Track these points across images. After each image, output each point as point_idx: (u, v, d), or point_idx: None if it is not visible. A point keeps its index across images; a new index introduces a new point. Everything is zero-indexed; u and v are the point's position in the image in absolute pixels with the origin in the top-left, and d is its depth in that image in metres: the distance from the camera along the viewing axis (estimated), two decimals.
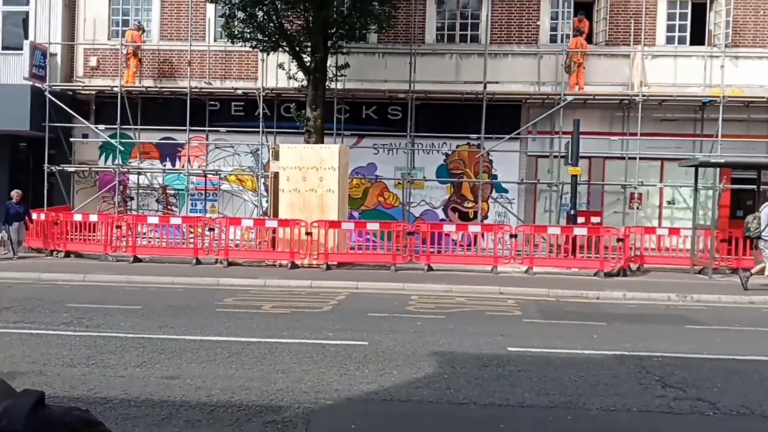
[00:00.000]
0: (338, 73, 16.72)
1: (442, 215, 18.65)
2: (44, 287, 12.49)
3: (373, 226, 15.68)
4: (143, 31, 18.36)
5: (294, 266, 14.86)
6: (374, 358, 7.25)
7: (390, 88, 17.69)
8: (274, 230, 15.58)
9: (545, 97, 17.75)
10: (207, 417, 5.39)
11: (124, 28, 18.56)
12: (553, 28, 18.43)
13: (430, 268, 14.81)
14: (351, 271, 14.50)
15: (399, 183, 18.38)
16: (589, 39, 18.05)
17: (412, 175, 18.10)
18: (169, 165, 18.87)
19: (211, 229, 15.53)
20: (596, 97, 17.62)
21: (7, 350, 7.34)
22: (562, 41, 18.19)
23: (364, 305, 10.85)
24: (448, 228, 15.88)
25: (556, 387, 6.34)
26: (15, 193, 16.39)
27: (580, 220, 16.09)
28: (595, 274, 14.54)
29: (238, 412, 5.48)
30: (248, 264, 15.29)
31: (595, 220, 16.62)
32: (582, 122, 16.09)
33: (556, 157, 17.81)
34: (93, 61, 18.80)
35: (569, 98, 17.38)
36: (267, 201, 17.81)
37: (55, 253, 16.09)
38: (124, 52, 18.07)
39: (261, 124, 17.77)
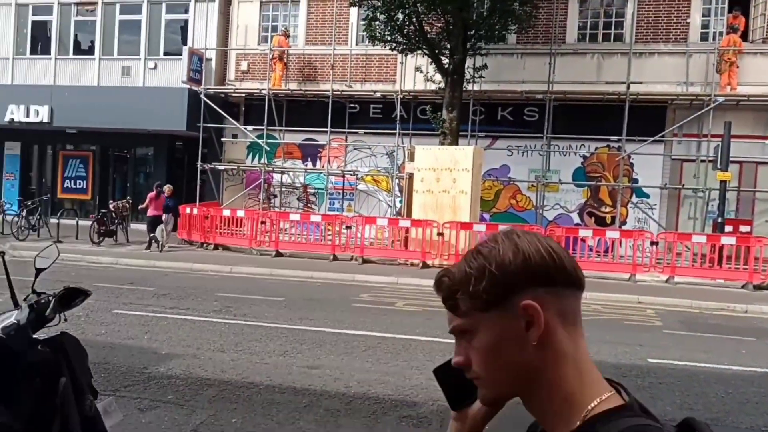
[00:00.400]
0: (476, 75, 16.73)
1: (577, 220, 18.17)
2: (196, 277, 13.46)
3: (505, 228, 15.54)
4: (289, 36, 19.28)
5: (425, 266, 15.08)
6: None
7: (527, 89, 17.45)
8: (407, 230, 15.88)
9: (693, 98, 16.84)
10: (345, 407, 5.62)
11: (272, 34, 19.53)
12: (705, 26, 17.42)
13: None
14: None
15: (533, 186, 18.10)
16: (744, 36, 16.92)
17: (547, 178, 17.77)
18: (310, 165, 19.67)
19: (348, 227, 16.07)
20: (750, 98, 16.46)
21: (165, 333, 8.02)
22: (713, 39, 17.17)
23: None
24: (584, 233, 15.48)
25: (701, 402, 6.09)
26: (167, 188, 17.93)
27: (728, 228, 15.13)
28: (742, 287, 13.65)
29: (375, 404, 5.68)
30: (381, 262, 15.69)
31: (744, 228, 15.59)
32: (733, 125, 15.10)
33: (703, 161, 16.85)
34: (244, 66, 19.98)
35: (720, 99, 16.38)
36: (400, 201, 18.15)
37: (205, 245, 17.28)
38: (272, 56, 19.06)
39: (397, 126, 18.13)
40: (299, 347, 7.56)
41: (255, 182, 19.48)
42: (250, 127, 19.42)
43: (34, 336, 2.88)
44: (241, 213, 17.34)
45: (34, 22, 21.59)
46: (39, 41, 21.68)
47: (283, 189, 19.82)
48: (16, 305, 2.95)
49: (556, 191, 18.12)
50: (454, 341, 1.14)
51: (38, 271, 3.06)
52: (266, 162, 19.28)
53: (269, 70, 19.01)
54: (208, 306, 9.96)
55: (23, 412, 2.73)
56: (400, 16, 15.75)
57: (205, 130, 19.07)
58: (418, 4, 15.18)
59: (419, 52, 16.58)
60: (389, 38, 16.22)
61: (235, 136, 19.92)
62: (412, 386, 6.18)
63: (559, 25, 17.79)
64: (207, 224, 17.32)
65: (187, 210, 17.84)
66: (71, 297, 2.96)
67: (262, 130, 18.94)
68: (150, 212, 16.92)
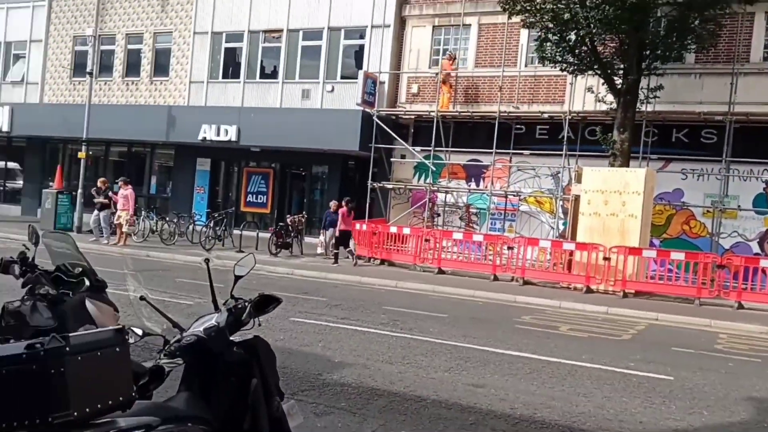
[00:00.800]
0: (650, 95, 16.15)
1: (756, 249, 16.87)
2: (364, 290, 14.10)
3: (677, 255, 14.85)
4: (454, 59, 19.68)
5: (589, 291, 14.75)
6: (681, 394, 7.03)
7: (705, 110, 16.55)
8: (571, 253, 15.62)
9: None
10: (512, 429, 5.63)
11: (443, 57, 20.05)
12: None
13: (740, 306, 13.58)
14: (649, 301, 13.96)
15: (708, 211, 17.10)
16: None
17: (725, 204, 16.72)
18: (473, 185, 19.93)
19: (510, 248, 16.10)
20: None
21: (337, 342, 8.47)
22: None
23: (666, 338, 10.45)
24: (765, 263, 14.36)
25: None
26: (333, 204, 19.04)
27: None
28: None
29: (541, 428, 5.68)
30: (543, 284, 15.51)
31: None
32: None
33: None
34: (414, 88, 20.64)
35: None
36: (564, 223, 17.88)
37: (371, 260, 18.05)
38: (439, 79, 19.55)
39: (564, 147, 17.88)
40: (464, 364, 7.71)
41: (420, 201, 19.99)
42: (417, 148, 19.99)
43: (231, 338, 3.07)
44: (406, 230, 17.94)
45: (226, 49, 23.59)
46: (230, 66, 23.67)
47: (446, 208, 20.21)
48: (217, 309, 3.16)
49: (734, 218, 17.00)
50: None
51: (237, 278, 3.28)
52: (432, 182, 19.78)
53: (438, 93, 19.54)
54: (376, 318, 10.42)
55: (220, 410, 2.97)
56: (573, 36, 15.63)
57: (375, 150, 19.82)
58: (592, 25, 14.98)
59: (590, 72, 16.33)
60: (560, 59, 16.13)
61: (403, 157, 20.60)
62: (580, 413, 6.16)
63: (742, 43, 16.74)
64: (374, 240, 18.09)
65: (357, 226, 18.68)
66: (265, 303, 3.17)
67: (430, 150, 19.44)
68: (342, 227, 17.91)
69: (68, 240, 4.77)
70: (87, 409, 2.29)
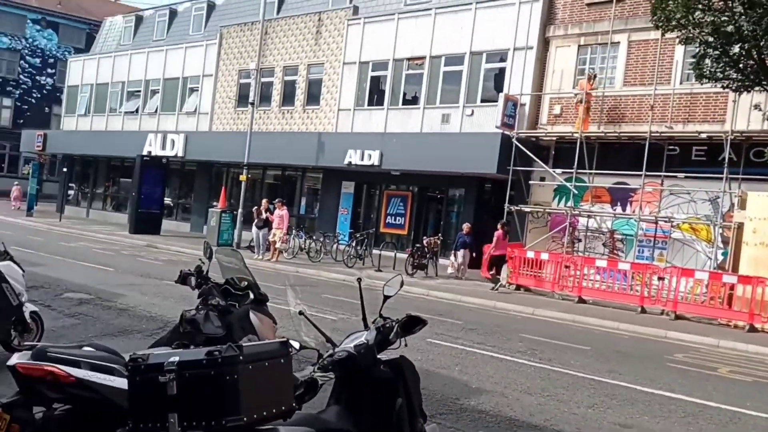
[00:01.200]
0: None
1: None
2: (498, 315, 13.78)
3: None
4: (593, 78, 18.71)
5: (752, 329, 13.45)
6: None
7: None
8: (732, 286, 14.33)
9: None
10: None
11: (582, 78, 19.21)
12: None
13: None
14: None
15: None
16: None
17: None
18: (619, 210, 18.85)
19: (661, 279, 15.04)
20: None
21: (474, 368, 8.28)
22: None
23: None
24: None
25: None
26: (466, 226, 19.07)
27: None
28: None
29: None
30: (697, 319, 14.39)
31: None
32: None
33: None
34: (557, 110, 19.91)
35: None
36: (724, 253, 16.47)
37: (507, 284, 17.51)
38: (580, 100, 18.65)
39: (725, 169, 16.48)
40: (609, 402, 7.26)
41: (560, 225, 19.18)
42: (558, 170, 19.27)
43: (378, 356, 3.17)
44: (544, 256, 17.28)
45: (372, 77, 24.31)
46: (374, 94, 24.33)
47: (588, 233, 19.27)
48: (366, 326, 3.28)
49: None
50: None
51: (385, 297, 3.39)
52: (573, 205, 18.96)
53: (581, 114, 18.70)
54: (513, 346, 10.09)
55: (366, 426, 3.02)
56: (737, 49, 14.42)
57: (513, 173, 19.34)
58: (760, 37, 13.72)
59: (758, 88, 14.98)
60: (721, 75, 14.92)
61: (542, 179, 19.92)
62: None
63: None
64: (510, 265, 17.59)
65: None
66: (412, 324, 3.24)
67: (571, 173, 18.67)
68: (496, 251, 17.67)
69: (237, 256, 5.33)
70: (255, 416, 2.47)
